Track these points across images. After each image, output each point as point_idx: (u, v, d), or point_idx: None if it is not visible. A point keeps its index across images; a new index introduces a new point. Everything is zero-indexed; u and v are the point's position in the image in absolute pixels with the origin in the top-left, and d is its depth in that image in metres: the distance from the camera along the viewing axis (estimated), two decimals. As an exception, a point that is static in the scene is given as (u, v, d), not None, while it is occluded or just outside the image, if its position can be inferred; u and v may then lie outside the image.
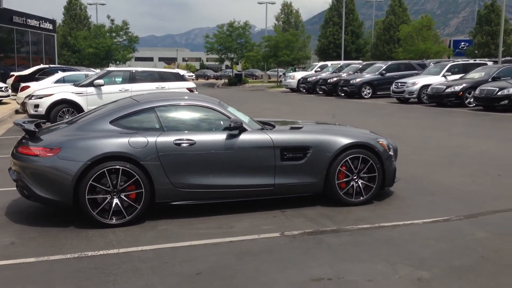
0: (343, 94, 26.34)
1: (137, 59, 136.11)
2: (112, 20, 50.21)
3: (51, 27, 38.68)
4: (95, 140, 5.26)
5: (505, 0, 26.73)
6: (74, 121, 5.84)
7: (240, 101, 23.57)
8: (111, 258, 4.44)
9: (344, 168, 5.93)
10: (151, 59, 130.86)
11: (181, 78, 14.36)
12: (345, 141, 5.93)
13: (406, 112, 18.26)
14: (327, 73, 30.59)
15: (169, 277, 4.02)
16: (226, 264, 4.27)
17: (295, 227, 5.20)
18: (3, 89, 21.84)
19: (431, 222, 5.35)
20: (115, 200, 5.25)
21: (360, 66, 28.73)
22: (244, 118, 5.97)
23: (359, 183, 6.00)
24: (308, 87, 30.38)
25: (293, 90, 33.37)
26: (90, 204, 5.17)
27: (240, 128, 5.61)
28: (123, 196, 5.27)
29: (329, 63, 35.31)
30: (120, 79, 13.84)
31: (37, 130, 5.49)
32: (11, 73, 25.93)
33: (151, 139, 5.36)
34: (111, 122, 5.48)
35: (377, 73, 25.58)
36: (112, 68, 16.51)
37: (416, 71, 24.82)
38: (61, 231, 5.19)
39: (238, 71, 54.91)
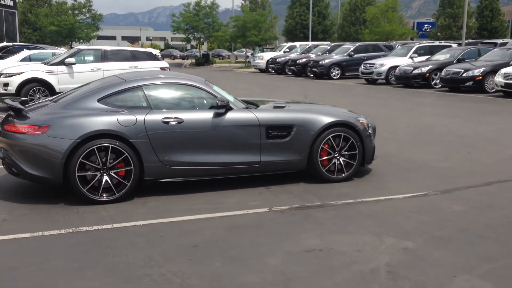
0: (312, 75, 26.59)
1: (100, 37, 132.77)
2: (75, -3, 48.91)
3: (11, 3, 37.39)
4: (84, 118, 5.28)
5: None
6: (59, 98, 5.83)
7: (211, 82, 23.50)
8: (106, 233, 4.53)
9: (326, 146, 6.13)
10: (113, 37, 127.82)
11: (154, 57, 14.25)
12: (327, 119, 6.13)
13: (375, 92, 18.66)
14: (295, 54, 30.77)
15: (167, 250, 4.14)
16: (220, 237, 4.43)
17: (282, 203, 5.39)
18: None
19: (410, 197, 5.63)
20: (105, 178, 5.31)
21: (329, 47, 29.00)
22: (230, 97, 6.09)
23: (341, 160, 6.22)
24: (277, 67, 30.53)
25: (262, 70, 33.45)
26: (80, 181, 5.22)
27: (226, 107, 5.73)
28: (112, 174, 5.34)
29: (297, 44, 35.48)
30: (92, 58, 13.63)
31: (23, 107, 5.47)
32: (-27, 51, 25.04)
33: (140, 117, 5.42)
34: (99, 100, 5.51)
35: (345, 54, 25.91)
36: (83, 46, 16.18)
37: (383, 53, 25.27)
38: (51, 208, 5.23)
39: (204, 51, 54.45)
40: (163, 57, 69.12)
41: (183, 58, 69.39)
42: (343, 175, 6.22)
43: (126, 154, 5.32)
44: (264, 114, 5.97)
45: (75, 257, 4.00)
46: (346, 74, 25.52)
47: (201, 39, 48.56)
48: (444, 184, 6.12)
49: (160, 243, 4.29)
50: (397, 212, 5.12)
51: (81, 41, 49.66)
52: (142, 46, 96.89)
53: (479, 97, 16.11)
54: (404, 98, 16.51)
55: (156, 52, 15.15)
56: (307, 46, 31.95)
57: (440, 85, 18.87)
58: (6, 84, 12.77)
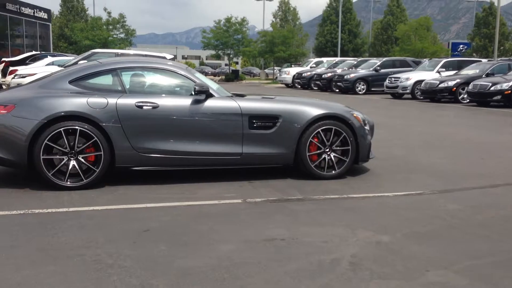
0: (337, 90, 26.11)
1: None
2: (109, 13, 49.88)
3: (46, 16, 38.38)
4: (52, 99, 5.03)
5: (501, 2, 26.57)
6: (36, 81, 5.61)
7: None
8: (57, 215, 4.22)
9: (316, 140, 5.70)
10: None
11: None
12: (316, 111, 5.70)
13: (397, 105, 18.06)
14: (322, 69, 30.37)
15: (113, 233, 3.79)
16: (179, 224, 4.06)
17: (259, 195, 4.98)
18: (-8, 73, 21.58)
19: (403, 195, 5.13)
20: (72, 162, 5.02)
21: (355, 62, 28.51)
22: (213, 85, 5.75)
23: (332, 156, 5.77)
24: (303, 82, 30.15)
25: (288, 85, 33.14)
26: (46, 165, 4.94)
27: (205, 93, 5.38)
28: (81, 158, 5.04)
29: (324, 59, 35.10)
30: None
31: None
32: (2, 59, 25.67)
33: (112, 100, 5.13)
34: (70, 82, 5.25)
35: (371, 69, 25.36)
36: (97, 49, 16.24)
37: (411, 68, 24.61)
38: (14, 191, 4.98)
39: (226, 65, 54.40)
40: (195, 73, 70.60)
41: (214, 74, 69.85)
42: (334, 172, 5.76)
43: (96, 138, 5.02)
44: (247, 103, 5.59)
45: (12, 236, 3.69)
46: (372, 89, 24.92)
47: (231, 55, 48.68)
48: (445, 185, 5.60)
49: (109, 227, 3.94)
50: (382, 208, 4.65)
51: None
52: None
53: (506, 111, 15.32)
54: (426, 110, 15.86)
55: (170, 56, 15.02)
56: (334, 62, 31.50)
57: (467, 100, 18.11)
58: (19, 85, 12.80)
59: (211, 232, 3.85)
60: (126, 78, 5.42)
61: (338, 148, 5.78)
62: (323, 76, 27.66)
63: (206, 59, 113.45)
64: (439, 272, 3.17)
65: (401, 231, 3.97)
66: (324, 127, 5.70)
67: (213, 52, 49.22)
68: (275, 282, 2.98)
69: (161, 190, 5.14)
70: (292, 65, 38.09)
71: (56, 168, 4.97)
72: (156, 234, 3.77)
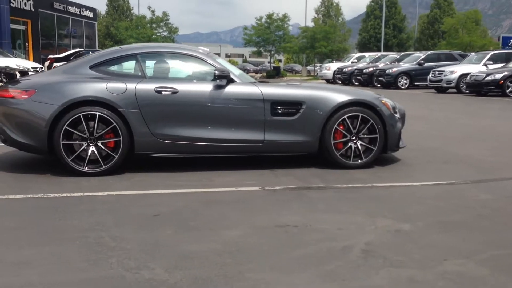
0: (378, 85, 25.48)
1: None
2: (153, 11, 50.69)
3: (91, 15, 39.32)
4: (72, 84, 5.01)
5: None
6: (59, 67, 5.62)
7: None
8: (71, 200, 4.18)
9: (341, 127, 5.47)
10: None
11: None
12: (342, 98, 5.47)
13: (440, 99, 17.44)
14: (363, 63, 29.76)
15: (123, 217, 3.72)
16: (190, 209, 3.94)
17: (280, 184, 4.81)
18: (38, 69, 22.22)
19: (433, 185, 4.84)
20: (92, 148, 5.00)
21: (398, 57, 27.78)
22: (235, 71, 5.61)
23: (358, 144, 5.53)
24: (344, 78, 29.61)
25: (328, 81, 32.62)
26: (65, 150, 4.94)
27: (226, 78, 5.24)
28: (100, 144, 5.01)
29: (366, 54, 34.39)
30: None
31: (16, 73, 5.30)
32: (48, 57, 26.46)
33: (131, 85, 5.07)
34: (91, 67, 5.23)
35: (415, 63, 24.63)
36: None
37: (457, 62, 23.75)
38: (35, 177, 5.00)
39: (269, 62, 53.99)
40: (237, 71, 70.79)
41: (256, 72, 69.87)
42: (360, 161, 5.52)
43: (115, 123, 4.98)
44: (270, 89, 5.42)
45: (21, 218, 3.67)
46: (415, 83, 24.20)
47: (272, 52, 48.50)
48: (480, 175, 5.28)
49: (120, 211, 3.87)
50: (408, 197, 4.39)
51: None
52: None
53: (558, 104, 14.52)
54: (471, 104, 15.23)
55: (206, 50, 14.96)
56: (376, 56, 30.82)
57: (516, 93, 17.30)
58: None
59: (222, 218, 3.71)
60: (146, 63, 5.36)
61: (365, 136, 5.54)
62: (364, 71, 27.09)
63: (250, 57, 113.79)
64: (458, 261, 2.92)
65: (424, 220, 3.72)
66: (350, 114, 5.46)
67: (254, 49, 49.11)
68: (278, 268, 2.81)
69: (180, 177, 5.05)
70: (334, 61, 37.54)
71: (76, 154, 4.96)
72: (165, 219, 3.67)
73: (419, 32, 54.16)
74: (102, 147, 5.02)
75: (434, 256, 2.99)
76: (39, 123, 4.90)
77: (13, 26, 27.78)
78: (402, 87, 24.18)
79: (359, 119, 5.49)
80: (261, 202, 4.20)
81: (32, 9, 30.14)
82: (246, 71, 72.93)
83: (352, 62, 32.14)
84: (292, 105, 5.39)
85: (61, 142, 4.90)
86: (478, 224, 3.63)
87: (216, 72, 5.18)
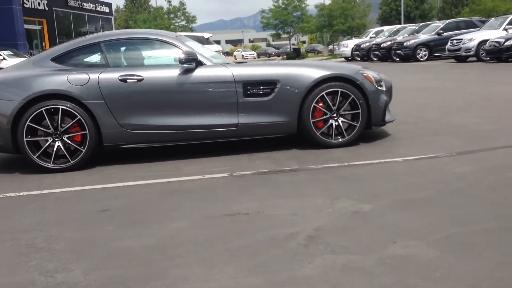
0: (397, 58, 24.80)
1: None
2: (169, 1, 50.67)
3: (107, 10, 39.49)
4: (32, 78, 4.86)
5: None
6: (21, 61, 5.48)
7: None
8: (26, 198, 4.04)
9: (320, 104, 5.17)
10: (218, 42, 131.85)
11: (206, 41, 13.91)
12: (319, 73, 5.16)
13: (457, 68, 16.77)
14: (382, 38, 28.98)
15: (69, 214, 3.55)
16: (143, 202, 3.74)
17: (251, 168, 4.57)
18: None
19: (414, 159, 4.52)
20: (57, 143, 4.85)
21: (417, 28, 26.92)
22: (206, 54, 5.35)
23: (340, 121, 5.23)
24: (362, 54, 28.95)
25: (347, 59, 31.98)
26: (30, 147, 4.80)
27: (193, 61, 5.00)
28: (65, 139, 4.86)
29: (385, 28, 33.48)
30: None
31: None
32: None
33: (93, 75, 4.88)
34: (53, 60, 5.07)
35: (433, 33, 23.81)
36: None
37: (477, 29, 22.82)
38: (2, 176, 4.88)
39: (293, 45, 53.24)
40: (259, 55, 69.78)
41: (278, 55, 69.27)
42: (342, 139, 5.22)
43: (79, 116, 4.81)
44: (241, 69, 5.15)
45: (-34, 221, 3.54)
46: (435, 54, 23.43)
47: (291, 33, 47.85)
48: (469, 146, 4.91)
49: (69, 208, 3.70)
50: (382, 175, 4.09)
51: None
52: (244, 48, 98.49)
53: None
54: (488, 72, 14.56)
55: (208, 36, 14.79)
56: (395, 29, 29.96)
57: (537, 57, 16.49)
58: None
59: (173, 209, 3.51)
60: (110, 51, 5.16)
61: (346, 112, 5.23)
62: (382, 45, 26.39)
63: (273, 41, 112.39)
64: (409, 243, 2.64)
65: (389, 198, 3.44)
66: (329, 90, 5.16)
67: (273, 32, 48.57)
68: (207, 261, 2.59)
69: (151, 168, 4.86)
70: (353, 38, 36.72)
71: (41, 150, 4.82)
72: (112, 214, 3.49)
73: (442, 1, 52.47)
74: (69, 141, 4.86)
75: (384, 239, 2.72)
76: (1, 121, 4.77)
77: (28, 26, 28.09)
78: (421, 59, 23.44)
79: (339, 95, 5.18)
80: (222, 189, 3.97)
81: (46, 8, 30.40)
82: (268, 54, 72.41)
83: (370, 38, 31.37)
84: (266, 85, 5.12)
85: (25, 139, 4.77)
86: (446, 200, 3.33)
87: (180, 55, 4.94)
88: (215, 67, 5.13)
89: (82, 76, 4.86)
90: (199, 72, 5.04)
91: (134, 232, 3.09)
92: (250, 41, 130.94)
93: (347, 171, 4.28)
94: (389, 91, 5.68)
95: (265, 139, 5.45)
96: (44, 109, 4.76)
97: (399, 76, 14.83)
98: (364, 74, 5.32)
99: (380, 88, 5.41)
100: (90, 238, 3.04)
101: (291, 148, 5.31)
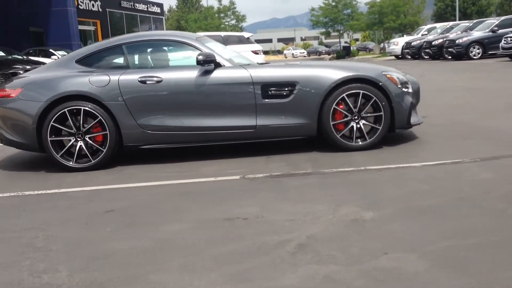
0: (449, 57, 23.96)
1: (257, 41, 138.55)
2: (220, 1, 51.14)
3: (159, 11, 40.30)
4: (55, 80, 5.01)
5: None
6: (48, 63, 5.65)
7: None
8: (41, 197, 4.17)
9: (341, 106, 5.06)
10: (270, 40, 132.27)
11: (246, 41, 13.91)
12: (339, 75, 5.04)
13: (509, 68, 16.01)
14: (433, 35, 28.09)
15: (75, 214, 3.63)
16: (148, 203, 3.78)
17: (265, 171, 4.52)
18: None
19: (434, 165, 4.34)
20: (80, 143, 4.97)
21: (470, 25, 25.92)
22: (225, 55, 5.33)
23: (361, 124, 5.09)
24: (412, 52, 28.12)
25: (398, 57, 31.21)
26: (54, 147, 4.95)
27: (211, 62, 4.99)
28: (87, 139, 4.97)
29: (438, 25, 32.43)
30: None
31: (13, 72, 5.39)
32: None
33: (114, 77, 4.97)
34: (77, 62, 5.20)
35: (487, 30, 22.83)
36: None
37: (536, 25, 21.71)
38: (29, 174, 5.07)
39: (346, 43, 52.43)
40: (309, 53, 69.21)
41: (328, 53, 68.53)
42: (363, 142, 5.07)
43: (100, 117, 4.91)
44: (259, 71, 5.11)
45: (-22, 218, 3.68)
46: (489, 52, 22.46)
47: (341, 31, 47.23)
48: (498, 151, 4.67)
49: (78, 208, 3.78)
50: (395, 180, 3.96)
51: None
52: (296, 46, 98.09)
53: None
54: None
55: (248, 35, 14.79)
56: (448, 26, 28.97)
57: None
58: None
59: (175, 212, 3.52)
60: (131, 53, 5.24)
61: (368, 115, 5.09)
62: (433, 43, 25.54)
63: (325, 39, 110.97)
64: (400, 255, 2.53)
65: (396, 205, 3.32)
66: (349, 92, 5.04)
67: (323, 30, 48.11)
68: (190, 267, 2.57)
69: (169, 168, 4.90)
70: (405, 35, 35.82)
71: (64, 150, 4.95)
72: (115, 215, 3.53)
73: (501, -4, 50.32)
74: (90, 141, 4.97)
75: (376, 250, 2.62)
76: (27, 121, 4.94)
77: (83, 27, 29.10)
78: (475, 57, 22.54)
79: (360, 97, 5.04)
80: (230, 192, 3.95)
81: (100, 10, 31.38)
82: (318, 53, 71.80)
83: (422, 35, 30.48)
84: (285, 87, 5.05)
85: (49, 139, 4.92)
86: (454, 209, 3.17)
87: (198, 56, 4.95)
88: (234, 69, 5.11)
89: (103, 78, 4.96)
90: (217, 74, 5.03)
91: (130, 234, 3.12)
92: (302, 39, 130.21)
93: (360, 176, 4.16)
94: (416, 93, 5.48)
95: (286, 141, 5.38)
96: (67, 110, 4.89)
97: (446, 75, 14.34)
98: (388, 76, 5.16)
99: (405, 90, 5.23)
100: (86, 239, 3.09)
101: (311, 151, 5.22)
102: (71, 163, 4.96)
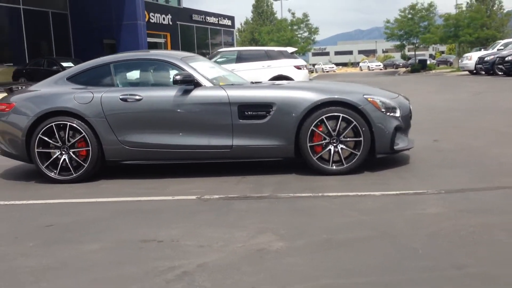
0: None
1: (338, 52, 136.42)
2: (293, 13, 51.28)
3: (229, 23, 41.20)
4: (43, 96, 5.31)
5: None
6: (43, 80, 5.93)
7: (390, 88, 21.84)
8: (3, 208, 4.43)
9: (320, 129, 4.97)
10: (350, 52, 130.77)
11: (288, 55, 13.93)
12: (315, 97, 4.96)
13: None
14: (508, 50, 26.53)
15: (14, 227, 3.84)
16: (87, 220, 3.91)
17: (227, 192, 4.52)
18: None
19: (393, 195, 4.16)
20: (64, 156, 5.22)
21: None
22: (208, 75, 5.39)
23: (339, 148, 4.97)
24: (486, 67, 26.72)
25: (472, 72, 29.78)
26: (41, 158, 5.23)
27: (189, 82, 5.09)
28: (71, 153, 5.22)
29: (515, 39, 30.60)
30: (227, 59, 13.98)
31: (12, 88, 5.79)
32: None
33: (97, 94, 5.20)
34: (68, 79, 5.48)
35: None
36: (224, 49, 16.90)
37: None
38: (15, 184, 5.38)
39: (430, 56, 50.40)
40: (385, 66, 67.41)
41: (406, 66, 66.59)
42: (337, 167, 4.96)
43: (84, 133, 5.15)
44: (237, 91, 5.14)
45: None
46: None
47: (416, 45, 45.79)
48: (475, 183, 4.42)
49: (23, 220, 3.99)
50: (338, 210, 3.84)
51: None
52: (377, 59, 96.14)
53: None
54: None
55: (292, 50, 14.76)
56: (525, 41, 27.27)
57: None
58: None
59: (103, 230, 3.61)
60: (118, 72, 5.45)
61: (348, 139, 4.96)
62: (506, 58, 24.17)
63: (408, 51, 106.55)
64: (263, 292, 2.46)
65: (317, 237, 3.24)
66: (329, 114, 4.94)
67: (397, 43, 46.91)
68: (63, 288, 2.66)
69: (142, 185, 5.03)
70: (481, 49, 34.08)
71: (49, 161, 5.22)
72: (50, 230, 3.69)
73: None
74: (74, 156, 5.21)
75: (250, 284, 2.57)
76: (17, 133, 5.27)
77: (153, 39, 30.41)
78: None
79: (340, 120, 4.93)
80: (172, 213, 4.00)
81: (171, 23, 32.62)
82: (395, 65, 70.00)
83: (497, 50, 28.90)
84: (261, 108, 5.05)
85: (36, 150, 5.20)
86: (367, 245, 3.04)
87: (176, 77, 5.06)
88: (212, 89, 5.17)
89: (87, 95, 5.21)
90: (195, 93, 5.12)
91: (45, 251, 3.23)
92: (383, 51, 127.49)
93: (310, 203, 4.07)
94: (404, 117, 5.26)
95: (276, 161, 5.35)
96: (54, 124, 5.16)
97: (501, 95, 13.51)
98: (369, 99, 5.01)
99: (390, 114, 5.05)
100: (3, 252, 3.26)
101: (291, 173, 5.16)
102: (52, 174, 5.22)
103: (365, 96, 5.03)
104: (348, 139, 4.97)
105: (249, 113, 5.05)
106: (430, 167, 5.15)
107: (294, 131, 4.98)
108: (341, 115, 4.92)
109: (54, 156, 5.23)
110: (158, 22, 31.42)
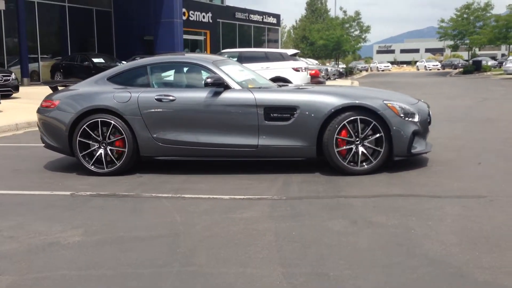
0: None
1: (403, 51, 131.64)
2: (345, 12, 51.42)
3: (275, 21, 41.76)
4: (86, 95, 6.03)
5: None
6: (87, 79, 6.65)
7: (415, 89, 21.72)
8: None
9: (344, 132, 5.52)
10: (416, 50, 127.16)
11: (288, 57, 14.84)
12: (337, 102, 5.50)
13: None
14: None
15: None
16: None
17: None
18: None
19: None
20: (101, 150, 5.90)
21: None
22: (237, 78, 5.99)
23: (360, 150, 5.51)
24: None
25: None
26: (80, 148, 5.90)
27: (219, 85, 5.71)
28: (109, 148, 5.88)
29: None
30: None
31: (57, 86, 6.56)
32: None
33: (134, 94, 5.88)
34: (108, 79, 6.20)
35: None
36: (227, 50, 17.78)
37: None
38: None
39: (474, 60, 49.27)
40: (444, 67, 65.65)
41: (465, 67, 65.12)
42: (365, 167, 5.56)
43: (121, 129, 5.83)
44: (263, 94, 5.72)
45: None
46: None
47: (468, 45, 45.09)
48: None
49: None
50: (178, 209, 4.55)
51: (347, 53, 51.89)
52: (444, 58, 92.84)
53: None
54: None
55: (293, 52, 15.56)
56: None
57: None
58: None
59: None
60: (154, 73, 6.14)
61: (369, 143, 5.53)
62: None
63: (480, 50, 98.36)
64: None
65: (116, 234, 3.92)
66: (350, 119, 5.47)
67: (451, 43, 46.33)
68: None
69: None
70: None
71: (87, 152, 5.91)
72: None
73: None
74: (109, 151, 5.89)
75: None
76: (61, 127, 6.00)
77: (192, 37, 31.62)
78: None
79: (358, 123, 5.47)
80: (26, 207, 4.75)
81: (211, 21, 33.61)
82: (453, 66, 68.42)
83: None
84: (286, 110, 5.61)
85: (78, 139, 5.87)
86: (136, 242, 3.72)
87: (207, 79, 5.68)
88: (241, 92, 5.76)
89: (125, 94, 5.90)
90: (225, 95, 5.74)
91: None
92: (451, 50, 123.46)
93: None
94: (421, 123, 5.70)
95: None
96: (95, 121, 5.85)
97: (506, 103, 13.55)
98: (389, 105, 5.50)
99: (408, 119, 5.52)
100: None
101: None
102: (91, 166, 5.92)
103: (385, 102, 5.52)
104: (369, 142, 5.50)
105: (275, 115, 5.63)
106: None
107: (316, 133, 5.53)
108: (359, 117, 5.46)
109: (92, 148, 5.92)
110: (197, 20, 32.42)
